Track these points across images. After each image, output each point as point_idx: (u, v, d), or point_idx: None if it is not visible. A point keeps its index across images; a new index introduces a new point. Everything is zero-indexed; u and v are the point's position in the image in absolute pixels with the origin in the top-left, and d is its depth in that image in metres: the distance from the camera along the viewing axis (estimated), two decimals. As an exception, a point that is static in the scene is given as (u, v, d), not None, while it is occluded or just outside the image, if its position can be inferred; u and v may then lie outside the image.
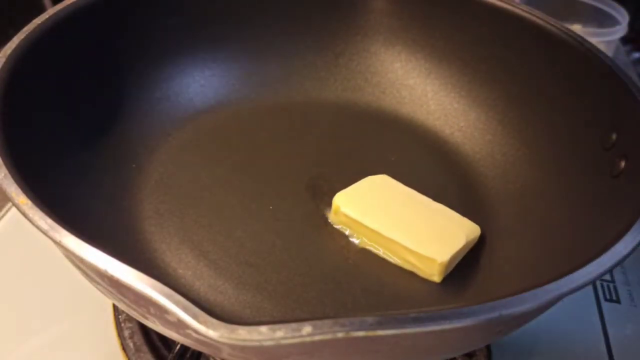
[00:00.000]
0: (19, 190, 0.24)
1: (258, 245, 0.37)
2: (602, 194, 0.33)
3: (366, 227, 0.36)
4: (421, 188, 0.40)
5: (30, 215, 0.23)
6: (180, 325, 0.20)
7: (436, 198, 0.40)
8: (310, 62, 0.49)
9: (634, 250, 0.25)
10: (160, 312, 0.21)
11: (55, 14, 0.36)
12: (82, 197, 0.34)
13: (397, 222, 0.36)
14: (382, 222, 0.36)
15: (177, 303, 0.20)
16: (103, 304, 0.38)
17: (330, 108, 0.48)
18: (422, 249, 0.35)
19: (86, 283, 0.27)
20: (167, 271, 0.35)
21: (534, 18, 0.40)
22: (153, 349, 0.36)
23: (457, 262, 0.36)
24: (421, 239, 0.35)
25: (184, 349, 0.35)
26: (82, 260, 0.22)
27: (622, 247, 0.24)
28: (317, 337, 0.19)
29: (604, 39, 0.61)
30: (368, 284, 0.35)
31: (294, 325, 0.19)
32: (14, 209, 0.44)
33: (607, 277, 0.44)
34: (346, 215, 0.37)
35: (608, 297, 0.43)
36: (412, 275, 0.36)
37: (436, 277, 0.35)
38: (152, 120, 0.43)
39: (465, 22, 0.44)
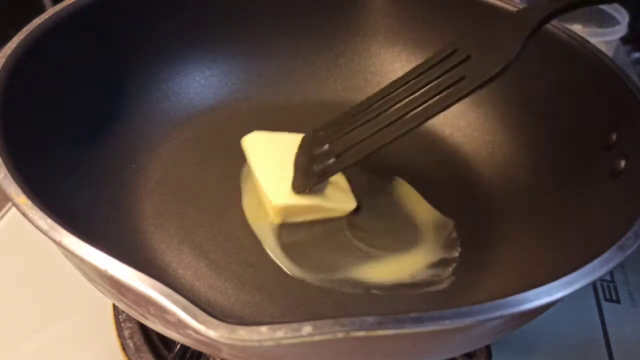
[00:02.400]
0: (19, 190, 0.24)
1: (258, 245, 0.37)
2: (602, 194, 0.33)
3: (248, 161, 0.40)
4: (421, 188, 0.40)
5: (30, 215, 0.23)
6: (180, 325, 0.20)
7: (436, 198, 0.40)
8: (310, 62, 0.49)
9: (634, 250, 0.25)
10: (160, 312, 0.21)
11: (55, 14, 0.36)
12: (82, 197, 0.34)
13: (273, 169, 0.39)
14: (261, 164, 0.39)
15: (177, 303, 0.20)
16: (103, 304, 0.38)
17: (330, 108, 0.48)
18: (268, 189, 0.37)
19: (86, 283, 0.27)
20: (167, 271, 0.35)
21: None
22: (153, 349, 0.36)
23: (307, 216, 0.38)
24: (277, 185, 0.38)
25: (184, 349, 0.35)
26: (82, 260, 0.22)
27: (622, 247, 0.24)
28: (317, 337, 0.19)
29: (604, 39, 0.61)
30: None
31: (294, 325, 0.19)
32: (14, 209, 0.44)
33: (607, 277, 0.44)
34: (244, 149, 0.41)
35: (608, 297, 0.43)
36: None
37: (274, 219, 0.38)
38: (151, 120, 0.43)
39: (466, 22, 0.44)
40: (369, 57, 0.49)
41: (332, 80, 0.49)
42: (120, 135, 0.40)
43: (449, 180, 0.43)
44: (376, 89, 0.48)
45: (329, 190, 0.39)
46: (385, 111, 0.36)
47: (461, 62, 0.33)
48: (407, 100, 0.35)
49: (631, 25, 0.64)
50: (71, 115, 0.36)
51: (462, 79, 0.32)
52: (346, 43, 0.49)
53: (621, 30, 0.63)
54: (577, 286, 0.23)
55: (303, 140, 0.40)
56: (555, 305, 0.23)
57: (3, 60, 0.31)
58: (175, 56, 0.45)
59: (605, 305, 0.42)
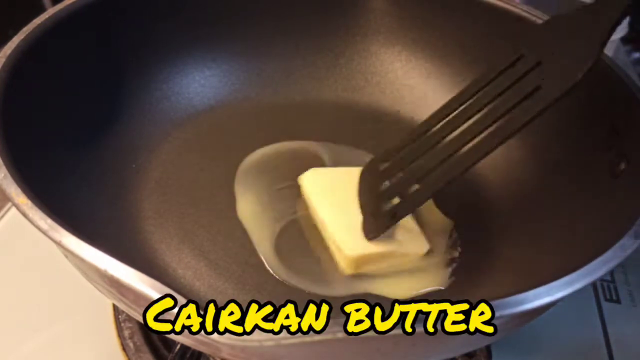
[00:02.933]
0: (18, 190, 0.24)
1: (258, 245, 0.37)
2: (602, 194, 0.33)
3: (308, 202, 0.37)
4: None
5: (30, 215, 0.23)
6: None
7: (436, 197, 0.40)
8: (310, 62, 0.49)
9: (634, 250, 0.25)
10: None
11: (55, 14, 0.36)
12: (82, 197, 0.34)
13: (340, 211, 0.36)
14: (325, 205, 0.36)
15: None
16: (103, 304, 0.38)
17: (330, 108, 0.48)
18: (339, 237, 0.34)
19: (86, 283, 0.27)
20: (167, 271, 0.35)
21: (534, 18, 0.40)
22: (153, 349, 0.36)
23: (380, 265, 0.35)
24: (347, 231, 0.35)
25: (184, 349, 0.35)
26: (82, 260, 0.22)
27: (622, 247, 0.24)
28: (317, 337, 0.19)
29: (604, 39, 0.61)
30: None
31: (294, 325, 0.19)
32: (14, 209, 0.44)
33: (607, 277, 0.44)
34: (303, 188, 0.38)
35: (608, 297, 0.43)
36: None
37: (346, 270, 0.34)
38: (152, 120, 0.43)
39: (465, 22, 0.44)
40: (369, 57, 0.49)
41: (332, 80, 0.49)
42: (120, 135, 0.40)
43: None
44: (376, 89, 0.48)
45: (399, 232, 0.35)
46: (448, 135, 0.31)
47: (531, 70, 0.29)
48: (473, 120, 0.30)
49: (631, 25, 0.64)
50: (71, 115, 0.36)
51: (537, 89, 0.28)
52: (346, 43, 0.49)
53: (621, 30, 0.63)
54: (577, 286, 0.23)
55: (362, 175, 0.36)
56: (555, 305, 0.23)
57: (3, 60, 0.31)
58: (175, 56, 0.45)
59: (605, 305, 0.42)
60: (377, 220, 0.34)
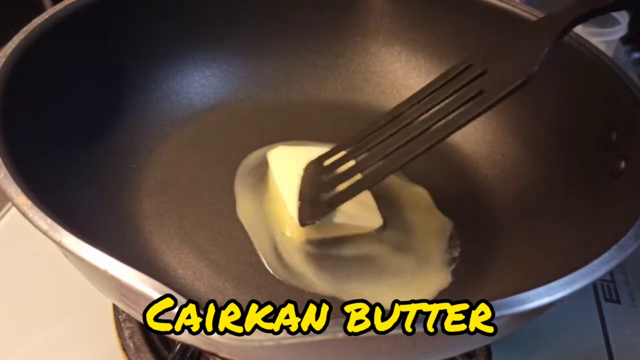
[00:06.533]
0: (18, 191, 0.24)
1: (258, 245, 0.37)
2: (602, 194, 0.33)
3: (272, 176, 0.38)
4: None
5: (30, 215, 0.23)
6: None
7: (436, 197, 0.40)
8: (310, 62, 0.49)
9: (634, 250, 0.25)
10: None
11: (55, 14, 0.36)
12: (83, 197, 0.34)
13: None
14: (285, 179, 0.38)
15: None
16: (103, 304, 0.38)
17: (330, 108, 0.48)
18: (293, 208, 0.36)
19: (86, 283, 0.27)
20: (167, 271, 0.35)
21: (533, 18, 0.40)
22: (153, 349, 0.36)
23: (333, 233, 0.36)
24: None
25: (184, 349, 0.35)
26: (82, 260, 0.22)
27: (621, 247, 0.24)
28: (317, 337, 0.19)
29: (604, 39, 0.61)
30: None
31: (294, 325, 0.19)
32: (14, 209, 0.44)
33: (607, 277, 0.44)
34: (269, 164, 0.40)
35: (608, 297, 0.43)
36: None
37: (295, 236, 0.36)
38: (151, 120, 0.43)
39: (466, 22, 0.44)
40: (369, 57, 0.49)
41: (332, 80, 0.49)
42: (120, 135, 0.40)
43: (448, 180, 0.43)
44: (376, 89, 0.48)
45: (354, 207, 0.37)
46: (395, 133, 0.33)
47: (478, 76, 0.31)
48: (419, 120, 0.32)
49: (631, 25, 0.64)
50: (71, 115, 0.36)
51: (479, 93, 0.30)
52: (346, 43, 0.49)
53: (621, 30, 0.63)
54: (577, 286, 0.23)
55: (306, 168, 0.38)
56: (555, 305, 0.23)
57: (3, 60, 0.31)
58: (175, 56, 0.45)
59: (605, 305, 0.42)
60: (313, 208, 0.35)
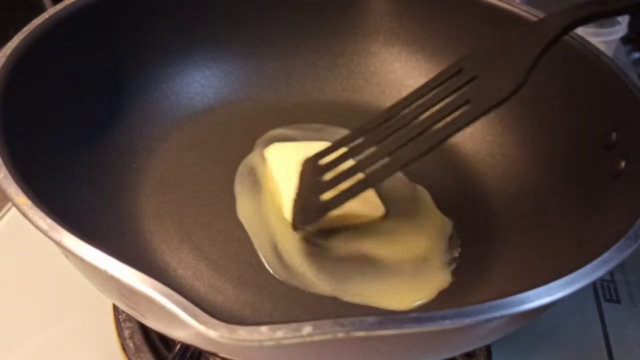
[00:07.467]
0: (19, 191, 0.24)
1: (258, 245, 0.37)
2: (602, 194, 0.33)
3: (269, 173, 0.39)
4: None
5: (30, 215, 0.23)
6: (180, 325, 0.20)
7: (436, 197, 0.40)
8: (310, 62, 0.49)
9: (634, 250, 0.25)
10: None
11: (55, 14, 0.36)
12: (82, 197, 0.34)
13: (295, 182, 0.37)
14: (283, 176, 0.38)
15: (177, 303, 0.20)
16: (103, 304, 0.38)
17: (330, 108, 0.48)
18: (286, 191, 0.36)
19: (86, 283, 0.27)
20: (167, 271, 0.35)
21: (533, 18, 0.40)
22: (153, 349, 0.36)
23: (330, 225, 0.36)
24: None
25: (184, 349, 0.35)
26: (82, 260, 0.22)
27: (621, 247, 0.24)
28: (317, 337, 0.19)
29: (604, 39, 0.61)
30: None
31: (294, 325, 0.19)
32: (14, 209, 0.44)
33: (607, 277, 0.44)
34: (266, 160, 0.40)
35: (608, 297, 0.43)
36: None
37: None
38: (151, 120, 0.43)
39: (466, 22, 0.44)
40: (369, 57, 0.49)
41: (332, 80, 0.49)
42: (120, 135, 0.40)
43: (448, 180, 0.43)
44: (376, 89, 0.48)
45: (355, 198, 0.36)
46: (383, 140, 0.33)
47: (467, 83, 0.31)
48: (408, 127, 0.32)
49: (631, 25, 0.64)
50: (71, 115, 0.36)
51: (466, 102, 0.30)
52: (346, 43, 0.49)
53: (621, 30, 0.63)
54: (577, 286, 0.23)
55: (303, 166, 0.38)
56: (555, 305, 0.23)
57: (3, 60, 0.31)
58: (175, 56, 0.45)
59: (605, 305, 0.42)
60: (306, 213, 0.35)
